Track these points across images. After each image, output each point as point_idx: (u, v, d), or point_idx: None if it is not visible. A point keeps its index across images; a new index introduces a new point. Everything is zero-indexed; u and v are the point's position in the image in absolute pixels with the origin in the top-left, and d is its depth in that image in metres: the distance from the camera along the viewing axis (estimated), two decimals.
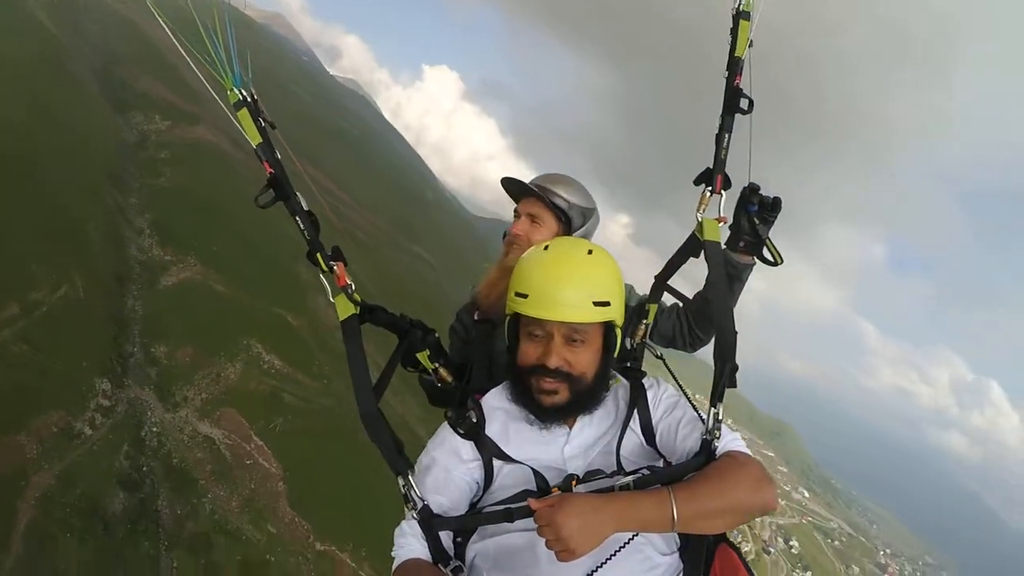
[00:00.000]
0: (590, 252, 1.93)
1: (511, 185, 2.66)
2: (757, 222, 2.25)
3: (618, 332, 1.94)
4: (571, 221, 2.59)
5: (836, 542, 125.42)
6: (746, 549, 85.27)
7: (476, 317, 2.58)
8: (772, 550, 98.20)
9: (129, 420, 40.05)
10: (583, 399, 1.91)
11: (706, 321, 2.46)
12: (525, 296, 1.85)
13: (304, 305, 55.25)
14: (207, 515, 38.83)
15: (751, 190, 2.25)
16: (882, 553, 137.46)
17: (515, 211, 2.68)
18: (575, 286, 1.83)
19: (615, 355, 1.98)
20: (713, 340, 1.98)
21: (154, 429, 41.04)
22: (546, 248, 1.95)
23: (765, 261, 2.33)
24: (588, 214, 2.64)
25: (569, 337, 1.85)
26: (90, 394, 38.41)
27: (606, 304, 1.85)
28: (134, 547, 35.20)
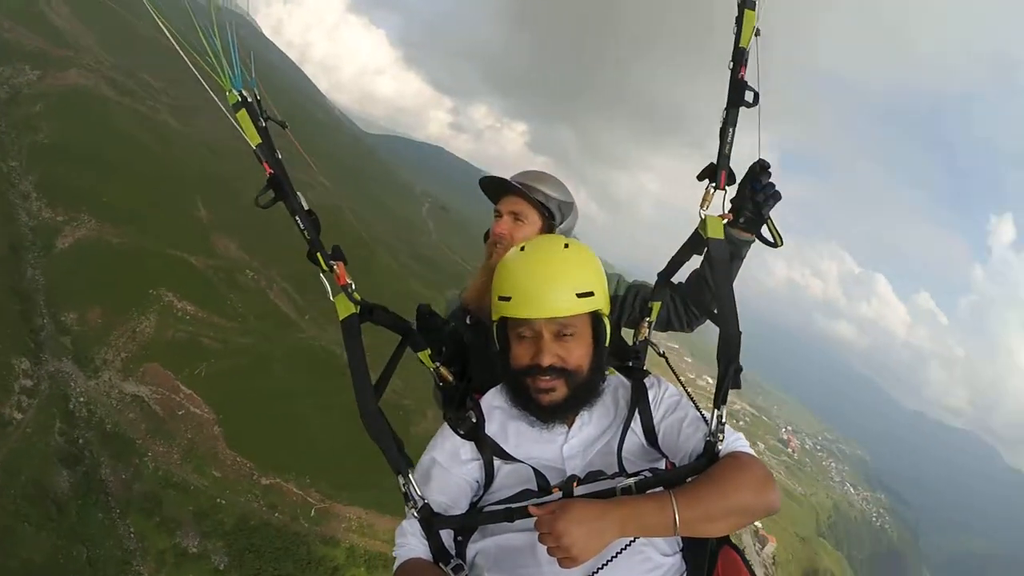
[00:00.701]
0: (567, 247, 1.95)
1: (491, 184, 2.65)
2: (761, 200, 2.23)
3: (606, 321, 1.95)
4: (554, 216, 2.62)
5: (740, 422, 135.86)
6: None
7: (468, 321, 2.57)
8: None
9: (55, 395, 40.30)
10: (581, 393, 1.91)
11: (701, 298, 2.46)
12: (508, 299, 1.86)
13: (206, 245, 54.95)
14: (151, 473, 40.12)
15: (761, 167, 2.24)
16: (784, 430, 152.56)
17: (496, 211, 2.66)
18: (556, 281, 1.84)
19: (607, 344, 1.98)
20: (717, 339, 1.91)
21: (81, 399, 41.51)
22: (523, 249, 1.96)
23: (764, 241, 2.32)
24: (568, 208, 2.65)
25: (559, 333, 1.86)
26: (11, 377, 38.31)
27: (590, 294, 1.86)
28: (88, 521, 36.40)
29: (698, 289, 2.46)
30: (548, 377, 1.86)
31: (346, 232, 75.85)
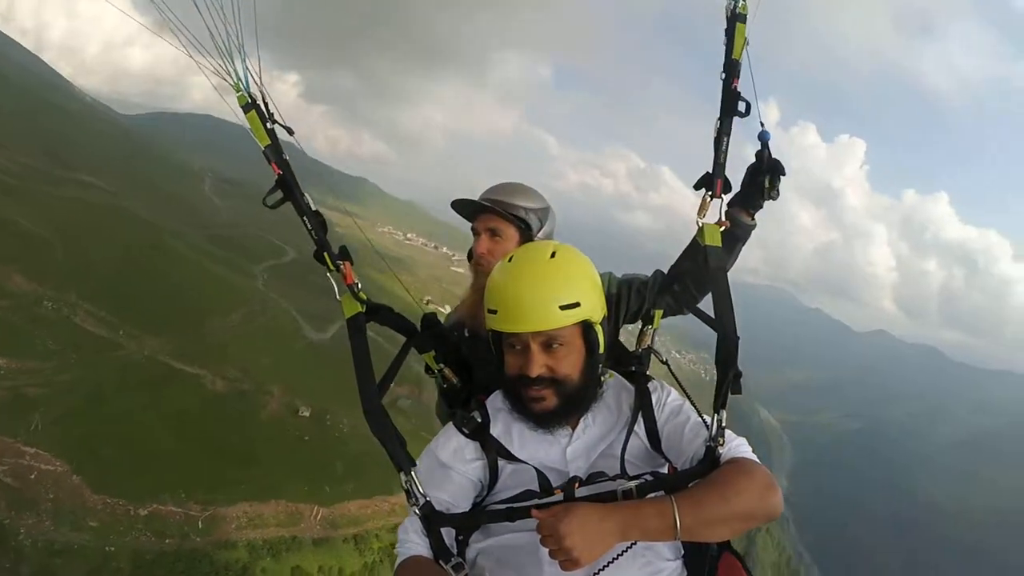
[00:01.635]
0: (553, 255, 1.94)
1: (464, 206, 2.70)
2: (768, 186, 2.24)
3: (598, 329, 1.94)
4: (531, 227, 2.64)
5: None
6: None
7: (466, 334, 2.59)
8: None
9: None
10: (573, 401, 1.94)
11: (694, 278, 2.47)
12: (495, 312, 1.90)
13: None
14: (32, 549, 38.63)
15: (772, 159, 2.23)
16: None
17: (472, 229, 2.69)
18: (538, 294, 1.84)
19: (600, 351, 1.97)
20: (715, 345, 1.91)
21: None
22: (510, 260, 1.97)
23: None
24: (544, 215, 2.68)
25: (546, 344, 1.87)
26: None
27: (575, 306, 1.86)
28: None
29: (686, 272, 2.45)
30: (538, 387, 1.88)
31: (130, 231, 71.50)
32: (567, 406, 1.95)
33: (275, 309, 74.73)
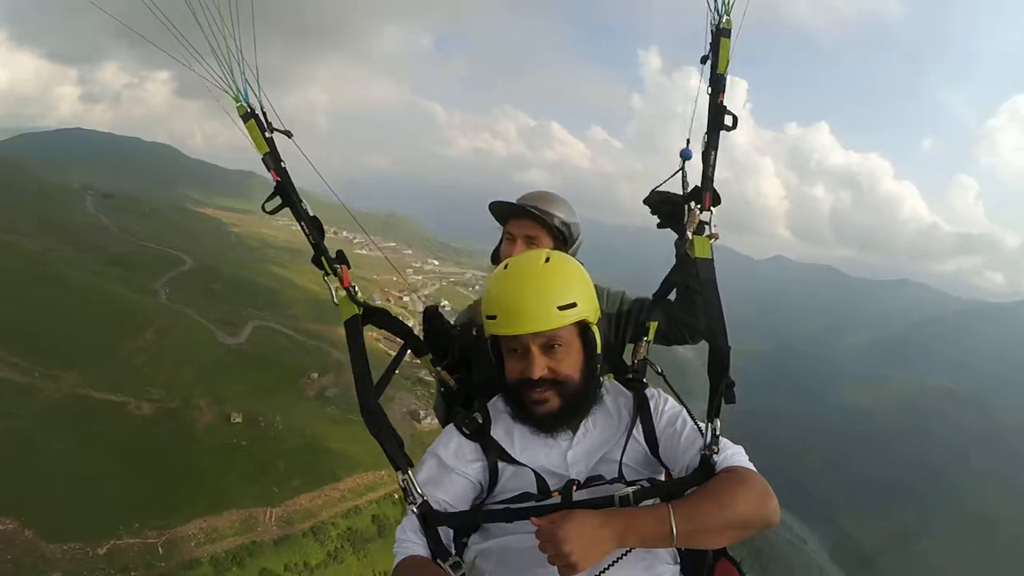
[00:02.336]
0: (548, 260, 1.99)
1: (504, 208, 2.74)
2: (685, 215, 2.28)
3: (595, 329, 1.98)
4: (567, 240, 2.72)
5: (477, 286, 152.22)
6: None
7: (475, 333, 2.54)
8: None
9: None
10: (575, 401, 1.96)
11: (692, 312, 2.58)
12: (494, 317, 1.92)
13: None
14: None
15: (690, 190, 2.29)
16: None
17: (508, 233, 2.74)
18: (536, 296, 1.88)
19: (598, 352, 2.00)
20: (707, 356, 1.96)
21: None
22: (506, 267, 2.02)
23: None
24: (576, 229, 2.76)
25: (546, 346, 1.90)
26: None
27: (571, 306, 1.89)
28: None
29: (688, 303, 2.61)
30: (540, 389, 1.91)
31: (19, 266, 68.98)
32: (570, 407, 1.97)
33: (185, 321, 73.85)
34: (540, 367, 1.91)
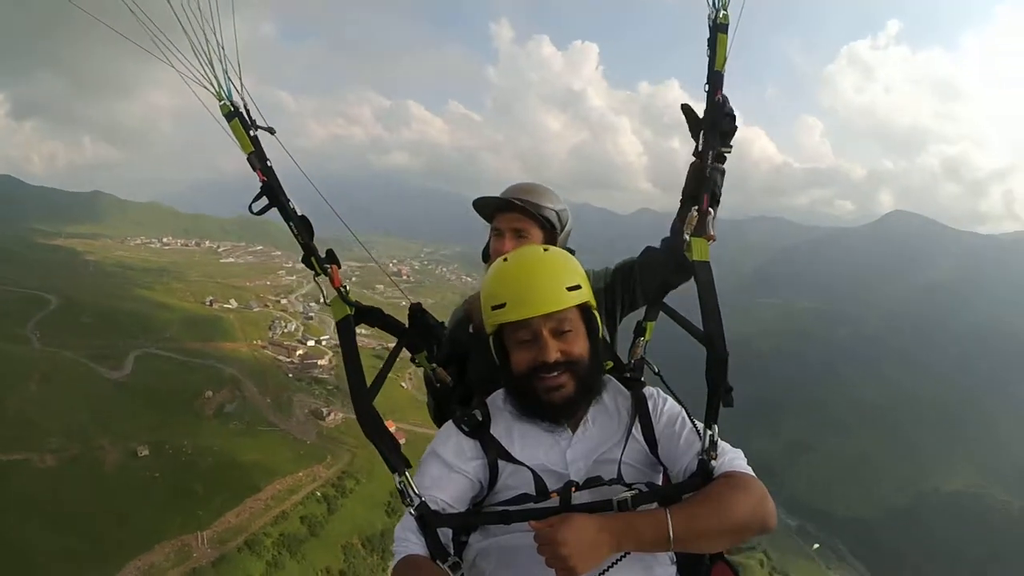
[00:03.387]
0: (546, 250, 2.06)
1: (488, 204, 2.73)
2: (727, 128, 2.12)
3: (596, 314, 2.03)
4: (555, 228, 2.72)
5: (353, 277, 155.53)
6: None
7: (471, 330, 2.62)
8: (312, 314, 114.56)
9: None
10: (587, 383, 1.99)
11: (652, 281, 2.47)
12: (503, 305, 1.92)
13: None
14: None
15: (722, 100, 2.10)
16: (391, 264, 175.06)
17: (495, 228, 2.72)
18: (545, 278, 1.93)
19: (599, 336, 2.05)
20: (705, 361, 1.93)
21: None
22: (505, 260, 2.04)
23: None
24: (565, 216, 2.74)
25: (556, 330, 1.92)
26: None
27: (578, 287, 1.95)
28: None
29: (651, 273, 2.52)
30: (555, 373, 1.91)
31: None
32: (583, 390, 1.98)
33: (65, 363, 71.82)
34: (554, 350, 1.92)
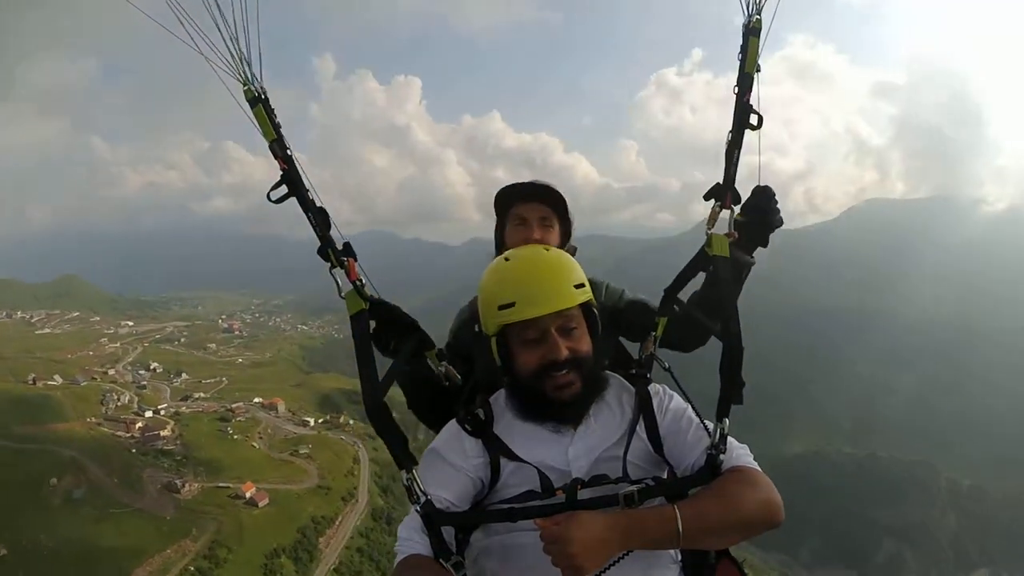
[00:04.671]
0: (547, 250, 2.11)
1: (513, 190, 2.79)
2: (773, 225, 2.32)
3: (596, 312, 2.07)
4: (570, 221, 2.80)
5: (181, 339, 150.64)
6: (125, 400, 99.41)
7: (477, 329, 2.45)
8: (145, 382, 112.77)
9: None
10: (593, 381, 2.02)
11: (696, 321, 2.43)
12: (511, 304, 1.93)
13: None
14: None
15: (768, 195, 2.30)
16: (220, 320, 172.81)
17: (516, 217, 2.75)
18: (552, 276, 1.96)
19: (600, 332, 2.07)
20: (720, 354, 1.94)
21: None
22: (507, 259, 2.07)
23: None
24: (574, 219, 2.82)
25: (564, 328, 1.95)
26: None
27: (582, 285, 2.00)
28: None
29: (708, 303, 2.41)
30: (564, 372, 1.94)
31: None
32: (590, 387, 2.01)
33: None
34: (564, 348, 1.94)
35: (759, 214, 2.33)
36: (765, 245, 2.41)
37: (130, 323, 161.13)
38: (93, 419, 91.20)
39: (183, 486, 74.06)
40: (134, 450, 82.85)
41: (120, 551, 61.62)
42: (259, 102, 2.00)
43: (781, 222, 2.37)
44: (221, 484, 75.06)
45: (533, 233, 2.71)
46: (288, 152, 2.04)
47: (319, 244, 2.06)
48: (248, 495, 72.05)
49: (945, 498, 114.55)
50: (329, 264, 2.06)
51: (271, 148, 2.02)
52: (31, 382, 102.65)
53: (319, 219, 2.05)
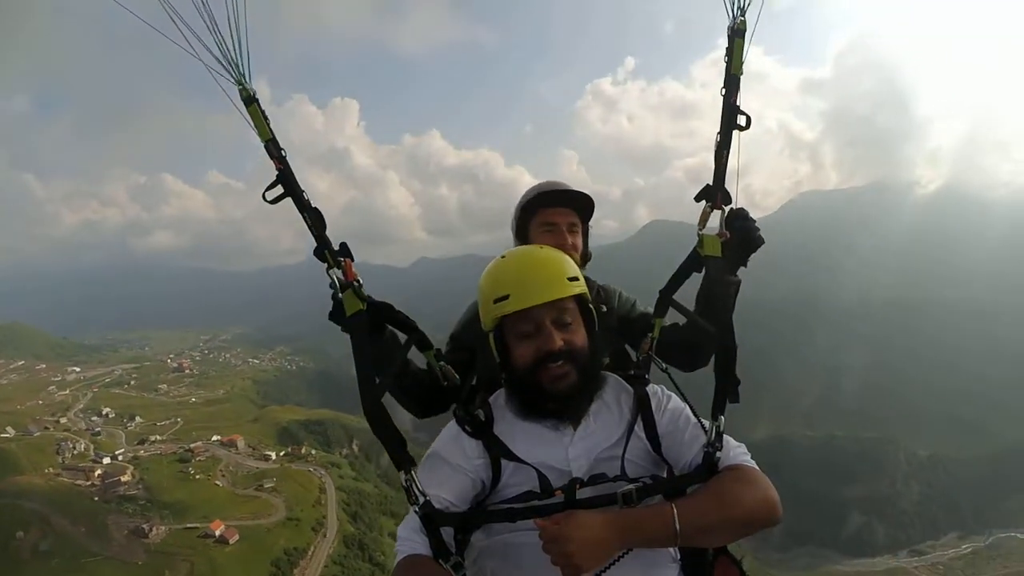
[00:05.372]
0: (542, 248, 2.18)
1: (543, 196, 2.80)
2: (750, 235, 2.35)
3: (591, 306, 2.11)
4: (588, 230, 2.87)
5: (131, 382, 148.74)
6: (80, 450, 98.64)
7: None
8: (99, 429, 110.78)
9: None
10: (590, 374, 2.04)
11: (695, 344, 2.54)
12: (506, 297, 1.98)
13: None
14: None
15: (743, 215, 2.32)
16: (169, 359, 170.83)
17: (545, 224, 2.79)
18: (546, 268, 2.02)
19: (596, 329, 2.12)
20: (713, 355, 1.99)
21: None
22: (504, 257, 2.13)
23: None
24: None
25: (558, 321, 1.99)
26: None
27: (576, 279, 2.03)
28: None
29: (692, 334, 2.45)
30: (560, 363, 1.97)
31: None
32: (585, 380, 2.03)
33: None
34: (558, 338, 1.97)
35: (743, 233, 2.34)
36: (746, 265, 2.43)
37: (77, 368, 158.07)
38: (51, 470, 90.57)
39: (150, 530, 74.46)
40: (96, 498, 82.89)
41: None
42: (254, 101, 1.99)
43: (762, 240, 2.39)
44: (189, 525, 75.72)
45: (564, 239, 2.75)
46: (283, 153, 2.01)
47: (315, 245, 2.06)
48: (218, 533, 72.94)
49: (906, 469, 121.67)
50: (326, 265, 2.06)
51: (266, 148, 2.02)
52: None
53: (315, 219, 2.04)
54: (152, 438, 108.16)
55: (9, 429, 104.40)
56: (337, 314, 2.13)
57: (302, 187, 2.06)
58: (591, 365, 2.07)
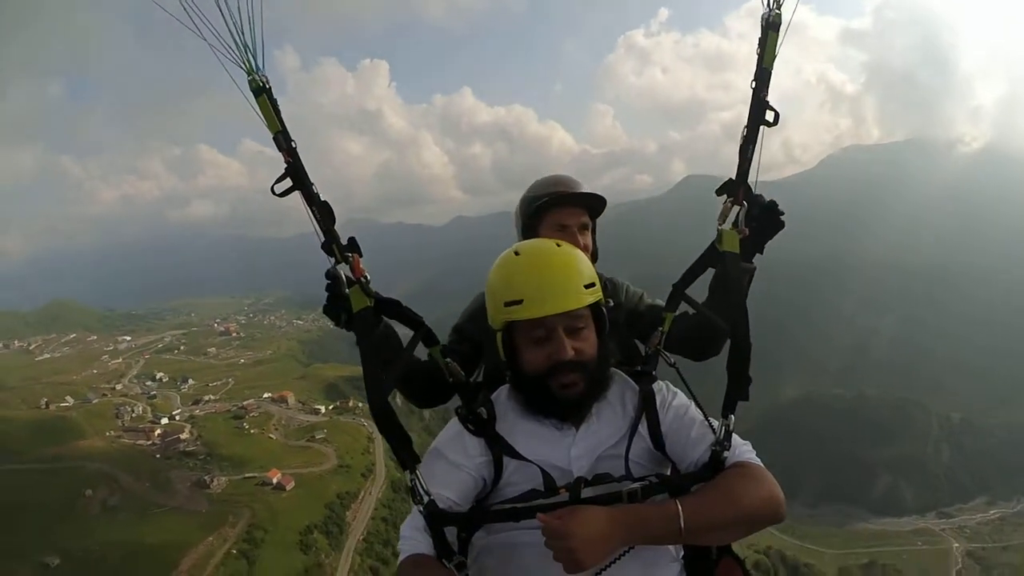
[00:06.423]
0: (559, 246, 2.05)
1: (558, 198, 2.73)
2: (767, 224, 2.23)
3: (604, 310, 2.05)
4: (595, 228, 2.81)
5: (180, 348, 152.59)
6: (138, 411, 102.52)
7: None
8: (155, 392, 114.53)
9: None
10: (596, 382, 2.00)
11: (707, 332, 2.48)
12: (519, 302, 1.91)
13: None
14: None
15: (761, 204, 2.19)
16: (215, 324, 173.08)
17: (558, 225, 2.72)
18: (563, 276, 1.93)
19: (607, 332, 2.06)
20: (727, 350, 1.94)
21: None
22: (517, 254, 2.03)
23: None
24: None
25: (571, 328, 1.94)
26: None
27: (593, 285, 1.97)
28: None
29: (704, 323, 2.42)
30: (570, 372, 1.93)
31: None
32: (593, 389, 2.00)
33: None
34: (569, 349, 1.92)
35: (762, 220, 2.23)
36: (762, 252, 2.34)
37: (127, 338, 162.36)
38: (112, 433, 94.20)
39: (212, 481, 77.56)
40: (158, 455, 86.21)
41: (165, 546, 65.18)
42: (263, 92, 1.89)
43: (783, 224, 2.27)
44: (248, 475, 78.79)
45: (576, 242, 2.68)
46: (292, 145, 1.94)
47: (323, 240, 1.98)
48: (275, 481, 76.02)
49: (936, 433, 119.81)
50: (333, 260, 1.99)
51: (275, 140, 1.93)
52: (44, 406, 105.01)
53: (323, 213, 1.97)
54: (206, 398, 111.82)
55: (68, 398, 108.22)
56: (334, 308, 2.07)
57: (312, 181, 1.99)
58: (599, 371, 2.04)
